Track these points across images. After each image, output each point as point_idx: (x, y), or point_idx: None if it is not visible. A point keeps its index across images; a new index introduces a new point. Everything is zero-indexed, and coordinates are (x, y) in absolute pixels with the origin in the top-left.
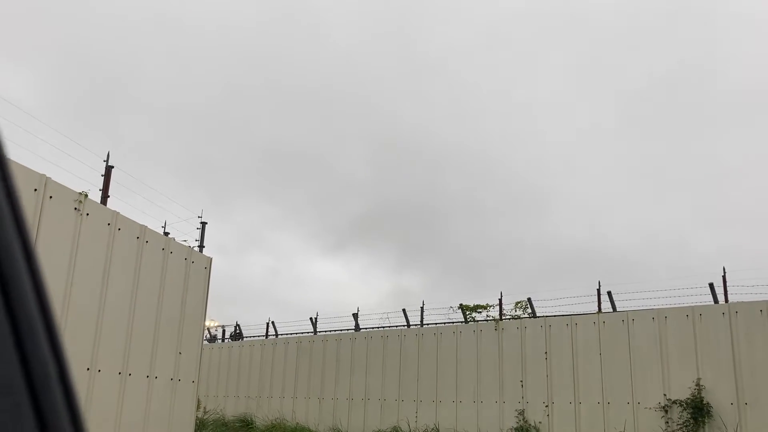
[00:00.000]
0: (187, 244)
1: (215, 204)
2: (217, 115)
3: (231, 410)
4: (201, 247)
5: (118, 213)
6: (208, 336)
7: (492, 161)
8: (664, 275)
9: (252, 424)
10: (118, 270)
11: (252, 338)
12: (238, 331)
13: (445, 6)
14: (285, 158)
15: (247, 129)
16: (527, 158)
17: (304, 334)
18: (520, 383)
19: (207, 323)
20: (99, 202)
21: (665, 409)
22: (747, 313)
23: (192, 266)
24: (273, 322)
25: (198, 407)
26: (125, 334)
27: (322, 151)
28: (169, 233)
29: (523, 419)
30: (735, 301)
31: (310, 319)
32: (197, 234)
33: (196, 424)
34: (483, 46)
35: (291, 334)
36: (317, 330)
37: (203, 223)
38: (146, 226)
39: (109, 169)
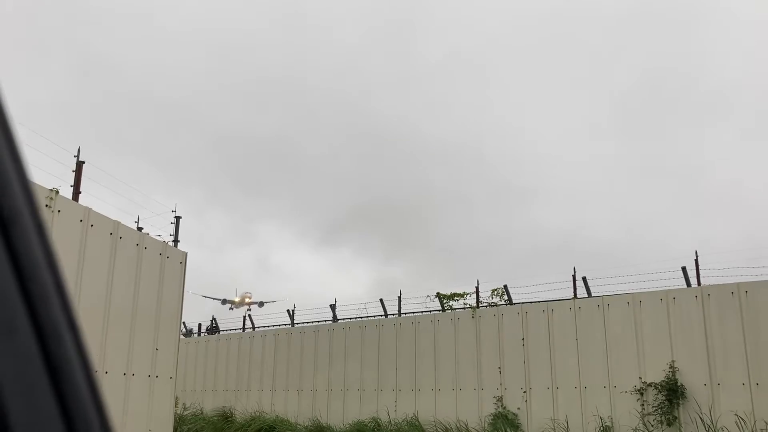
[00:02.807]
0: (161, 239)
1: (195, 198)
2: (194, 108)
3: (209, 405)
4: (176, 241)
5: (91, 209)
6: (184, 330)
7: (480, 156)
8: (640, 261)
9: (231, 417)
10: (92, 267)
11: (229, 332)
12: (214, 325)
13: (448, 10)
14: (268, 154)
15: (225, 123)
16: (515, 153)
17: (281, 327)
18: (498, 370)
19: (237, 298)
20: (70, 198)
21: (641, 392)
22: (718, 296)
23: (167, 261)
24: (250, 315)
25: (176, 403)
26: (100, 332)
27: (305, 146)
28: (142, 228)
29: (501, 405)
30: (707, 284)
31: (288, 311)
32: (172, 229)
33: (175, 420)
34: (477, 48)
35: (268, 326)
36: (294, 322)
37: (177, 218)
38: (120, 222)
39: (80, 165)
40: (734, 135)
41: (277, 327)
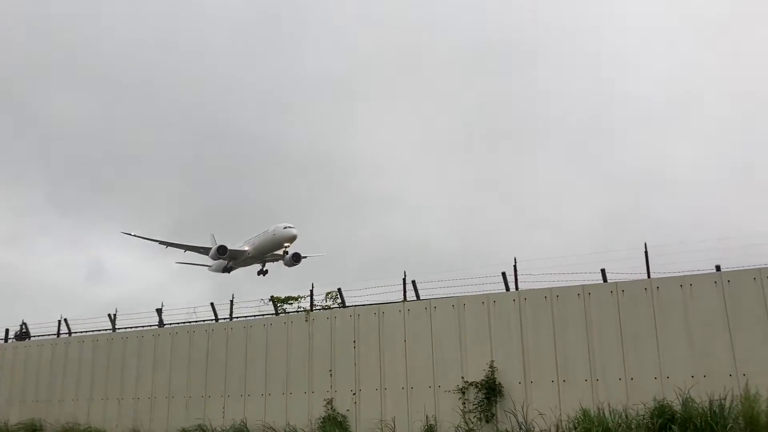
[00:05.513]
0: None
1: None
2: (36, 105)
3: (15, 417)
4: None
5: None
6: None
7: (335, 167)
8: (470, 267)
9: (40, 430)
10: None
11: (41, 337)
12: (24, 331)
13: (312, 32)
14: (116, 157)
15: (72, 122)
16: (369, 166)
17: (101, 332)
18: (329, 373)
19: (247, 247)
20: None
21: (463, 390)
22: (533, 300)
23: None
24: (65, 320)
25: None
26: None
27: (142, 149)
28: None
29: (331, 408)
30: (524, 288)
31: (109, 315)
32: None
33: None
34: (344, 70)
35: (87, 332)
36: (116, 327)
37: None
38: None
39: None
40: (556, 161)
41: (97, 332)
